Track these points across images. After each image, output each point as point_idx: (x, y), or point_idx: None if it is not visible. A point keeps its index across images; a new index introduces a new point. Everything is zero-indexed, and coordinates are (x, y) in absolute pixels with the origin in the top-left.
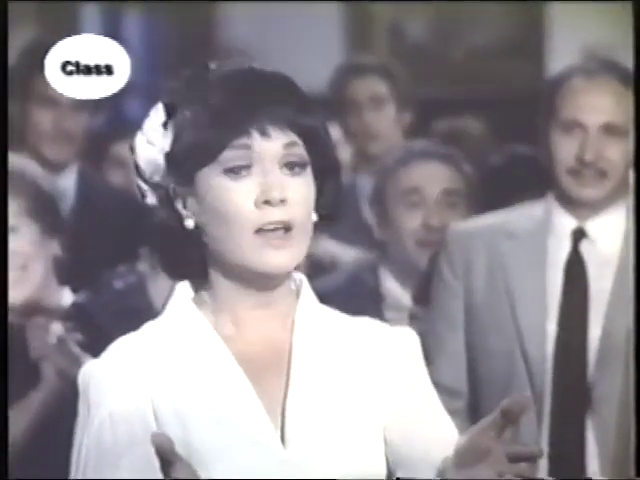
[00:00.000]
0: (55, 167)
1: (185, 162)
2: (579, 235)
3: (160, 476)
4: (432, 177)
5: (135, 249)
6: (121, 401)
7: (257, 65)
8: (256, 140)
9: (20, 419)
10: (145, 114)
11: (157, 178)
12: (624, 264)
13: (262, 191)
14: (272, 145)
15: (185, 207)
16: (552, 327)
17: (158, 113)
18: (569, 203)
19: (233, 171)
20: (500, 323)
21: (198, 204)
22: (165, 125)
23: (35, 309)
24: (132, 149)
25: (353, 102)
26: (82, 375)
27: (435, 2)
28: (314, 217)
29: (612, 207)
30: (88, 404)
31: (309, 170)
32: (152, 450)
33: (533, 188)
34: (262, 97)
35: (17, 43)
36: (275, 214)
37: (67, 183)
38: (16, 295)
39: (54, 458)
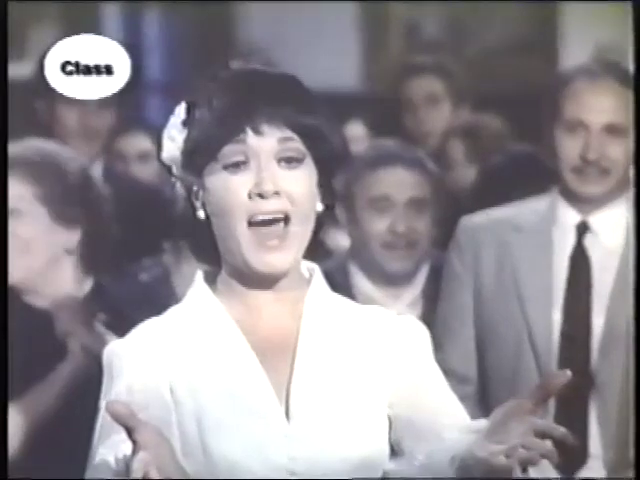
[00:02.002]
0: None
1: (193, 158)
2: (583, 229)
3: (170, 436)
4: (400, 184)
5: (160, 242)
6: (139, 375)
7: (271, 64)
8: (250, 137)
9: (48, 392)
10: (164, 111)
11: (177, 171)
12: (626, 257)
13: (256, 184)
14: (266, 141)
15: (197, 199)
16: (558, 316)
17: (180, 111)
18: (573, 198)
19: (232, 166)
20: (508, 312)
21: (206, 197)
22: (184, 123)
23: (63, 296)
24: (158, 144)
25: (410, 101)
26: (106, 352)
27: (450, 2)
28: (320, 207)
29: (614, 202)
30: (110, 377)
31: (309, 163)
32: (164, 414)
33: (538, 183)
34: (261, 97)
35: (42, 42)
36: (270, 205)
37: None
38: (14, 277)
39: (81, 426)
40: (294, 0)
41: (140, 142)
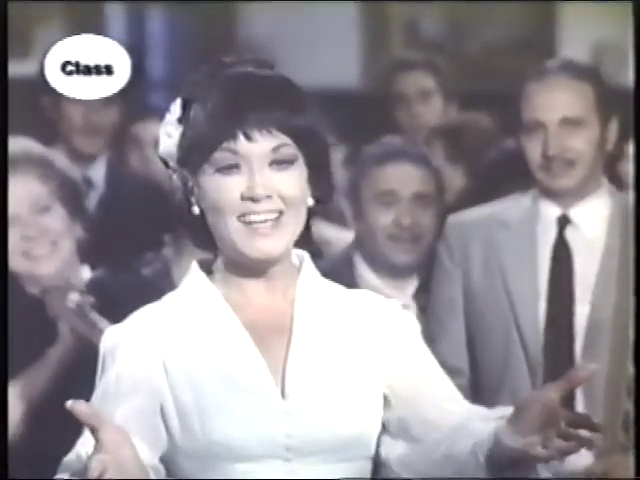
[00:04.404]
0: (86, 158)
1: (187, 157)
2: (564, 221)
3: (157, 422)
4: (406, 179)
5: (160, 236)
6: (129, 362)
7: (267, 61)
8: (242, 143)
9: (39, 375)
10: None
11: (174, 165)
12: (608, 247)
13: (248, 187)
14: (258, 148)
15: (192, 194)
16: (543, 306)
17: (176, 108)
18: (550, 194)
19: (225, 168)
20: (496, 305)
21: (200, 194)
22: (180, 120)
23: (59, 282)
24: (156, 139)
25: (402, 96)
26: (102, 342)
27: (449, 1)
28: (310, 202)
29: (593, 194)
30: (103, 367)
31: (300, 162)
32: (153, 400)
33: (522, 180)
34: (253, 101)
35: (46, 42)
36: (261, 206)
37: (98, 174)
38: (43, 269)
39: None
40: (295, 0)
41: (154, 128)
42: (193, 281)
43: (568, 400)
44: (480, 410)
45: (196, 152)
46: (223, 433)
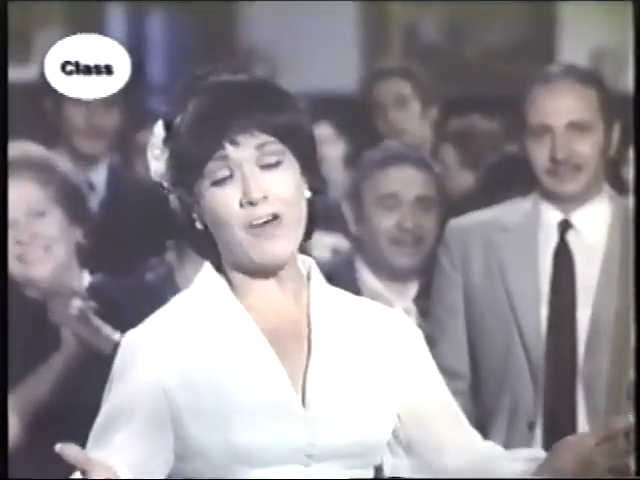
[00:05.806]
0: (88, 161)
1: (180, 176)
2: (565, 226)
3: (161, 445)
4: (408, 182)
5: (163, 241)
6: (136, 384)
7: (242, 67)
8: (229, 151)
9: (43, 380)
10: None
11: (169, 187)
12: (609, 251)
13: (244, 193)
14: (245, 151)
15: (193, 211)
16: (545, 311)
17: (159, 130)
18: (553, 198)
19: (219, 181)
20: (498, 309)
21: (201, 210)
22: (165, 141)
23: (60, 288)
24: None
25: (379, 104)
26: (118, 351)
27: (449, 3)
28: (307, 194)
29: (594, 199)
30: (110, 384)
31: (289, 158)
32: (162, 413)
33: (523, 184)
34: (232, 108)
35: (47, 44)
36: (261, 210)
37: (99, 178)
38: (37, 273)
39: (77, 418)
40: (296, 0)
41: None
42: (208, 284)
43: (569, 404)
44: (493, 448)
45: (187, 170)
46: (245, 439)
